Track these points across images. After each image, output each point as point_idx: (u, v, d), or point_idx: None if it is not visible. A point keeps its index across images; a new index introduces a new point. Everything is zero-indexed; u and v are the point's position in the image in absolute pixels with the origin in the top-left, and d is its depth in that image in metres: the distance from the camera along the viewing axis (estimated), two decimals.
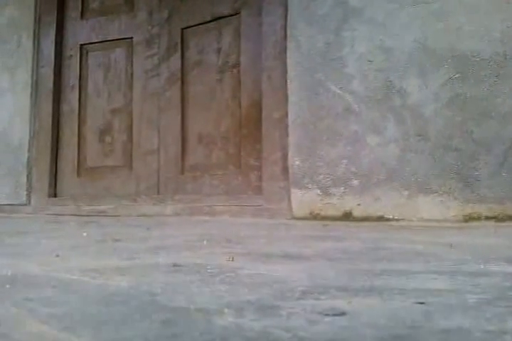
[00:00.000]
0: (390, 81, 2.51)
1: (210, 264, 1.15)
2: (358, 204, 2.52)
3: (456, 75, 2.38)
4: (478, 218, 2.30)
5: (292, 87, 2.74)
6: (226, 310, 0.71)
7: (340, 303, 0.76)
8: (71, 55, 3.76)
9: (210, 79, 3.22)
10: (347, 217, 2.53)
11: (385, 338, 0.59)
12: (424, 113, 2.43)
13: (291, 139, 2.72)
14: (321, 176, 2.62)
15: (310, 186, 2.64)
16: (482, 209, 2.29)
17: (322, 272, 1.06)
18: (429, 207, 2.38)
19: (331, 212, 2.57)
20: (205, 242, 1.64)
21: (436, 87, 2.41)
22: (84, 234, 2.00)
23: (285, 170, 2.75)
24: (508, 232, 2.05)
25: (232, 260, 1.21)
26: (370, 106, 2.54)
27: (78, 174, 3.63)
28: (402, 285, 0.92)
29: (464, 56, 2.38)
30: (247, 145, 3.02)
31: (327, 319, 0.67)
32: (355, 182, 2.54)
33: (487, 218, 2.28)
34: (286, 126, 2.74)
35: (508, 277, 1.00)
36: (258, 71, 2.98)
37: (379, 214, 2.46)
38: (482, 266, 1.14)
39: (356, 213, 2.52)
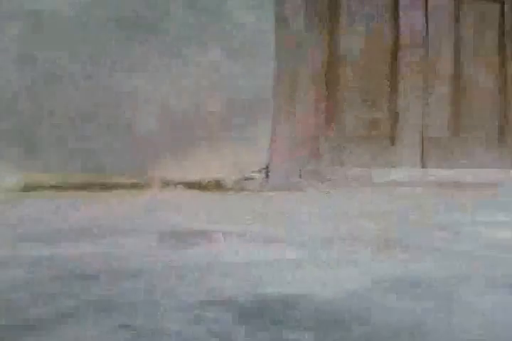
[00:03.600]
0: None
1: None
2: None
3: (29, 32, 2.37)
4: (41, 187, 2.34)
5: None
6: None
7: None
8: None
9: None
10: None
11: None
12: None
13: None
14: None
15: None
16: (45, 178, 2.34)
17: None
18: None
19: None
20: None
21: (7, 41, 2.37)
22: None
23: None
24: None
25: None
26: None
27: None
28: None
29: (39, 13, 2.37)
30: None
31: None
32: None
33: (51, 187, 2.34)
34: None
35: None
36: None
37: None
38: None
39: None
